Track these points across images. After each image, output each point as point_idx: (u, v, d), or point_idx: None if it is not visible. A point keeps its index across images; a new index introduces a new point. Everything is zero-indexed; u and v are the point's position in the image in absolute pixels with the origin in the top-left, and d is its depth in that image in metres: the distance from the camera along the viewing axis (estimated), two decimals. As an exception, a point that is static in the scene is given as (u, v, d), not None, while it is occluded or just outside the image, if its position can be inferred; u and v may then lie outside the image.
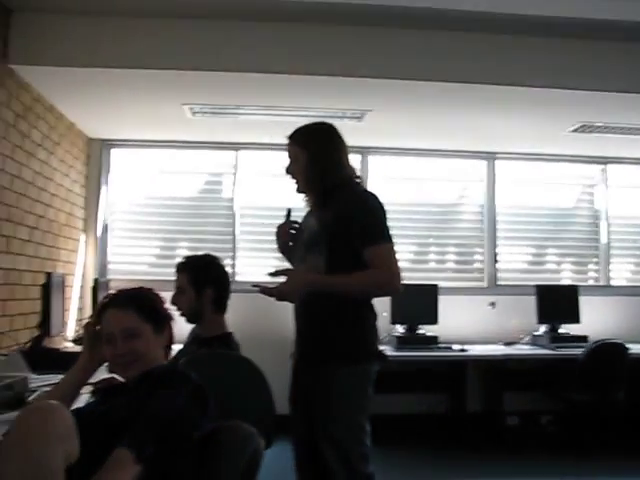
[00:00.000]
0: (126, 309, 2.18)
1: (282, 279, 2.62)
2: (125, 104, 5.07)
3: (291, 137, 2.87)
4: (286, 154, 2.88)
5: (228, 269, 6.00)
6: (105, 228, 6.13)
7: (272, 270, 2.69)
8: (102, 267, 6.09)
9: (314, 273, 2.66)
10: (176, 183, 6.33)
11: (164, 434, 1.86)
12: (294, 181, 2.87)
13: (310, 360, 2.74)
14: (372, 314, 2.76)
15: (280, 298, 2.63)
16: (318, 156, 2.77)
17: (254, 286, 2.64)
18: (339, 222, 2.65)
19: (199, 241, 6.20)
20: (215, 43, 4.25)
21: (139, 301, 2.22)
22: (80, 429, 1.71)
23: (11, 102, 4.15)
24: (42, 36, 4.12)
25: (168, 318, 2.32)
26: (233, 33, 4.25)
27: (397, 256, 2.66)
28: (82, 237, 5.90)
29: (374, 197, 2.74)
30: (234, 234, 6.23)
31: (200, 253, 3.39)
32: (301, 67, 4.32)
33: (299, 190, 2.88)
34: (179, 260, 3.30)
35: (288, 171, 2.87)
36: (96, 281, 5.28)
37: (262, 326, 5.52)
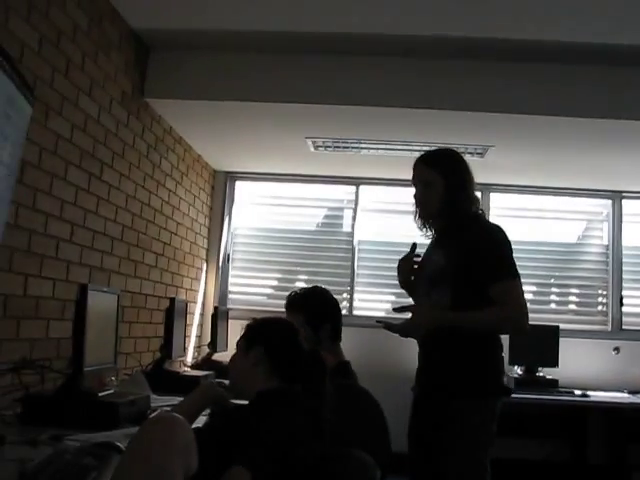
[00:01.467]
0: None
1: (407, 315, 2.60)
2: (249, 137, 5.21)
3: (426, 160, 2.76)
4: (413, 179, 2.79)
5: (345, 303, 6.14)
6: (226, 258, 6.28)
7: (394, 305, 2.71)
8: (222, 296, 6.23)
9: (439, 309, 2.60)
10: (297, 216, 6.43)
11: (279, 455, 1.85)
12: (418, 207, 2.77)
13: (436, 393, 2.65)
14: (499, 346, 2.68)
15: (404, 335, 2.63)
16: (455, 185, 2.67)
17: (378, 322, 2.64)
18: (467, 257, 2.57)
19: (317, 274, 6.25)
20: (339, 77, 4.31)
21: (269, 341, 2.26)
22: (197, 446, 1.73)
23: (144, 133, 4.35)
24: (175, 71, 4.32)
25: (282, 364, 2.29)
26: (357, 68, 4.30)
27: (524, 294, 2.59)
28: (204, 266, 6.06)
29: (502, 231, 2.68)
30: (353, 268, 6.24)
31: (304, 287, 3.36)
32: (423, 101, 4.31)
33: (422, 216, 2.78)
34: (288, 298, 3.25)
35: (417, 196, 2.76)
36: (216, 309, 5.39)
37: (379, 360, 5.48)
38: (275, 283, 6.39)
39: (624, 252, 6.23)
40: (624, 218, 6.27)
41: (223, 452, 1.87)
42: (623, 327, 6.09)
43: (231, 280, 6.31)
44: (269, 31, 4.04)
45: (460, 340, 2.55)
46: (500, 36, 3.95)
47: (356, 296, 6.20)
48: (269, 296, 6.35)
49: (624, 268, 6.21)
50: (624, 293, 6.17)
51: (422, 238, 2.88)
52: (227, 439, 1.96)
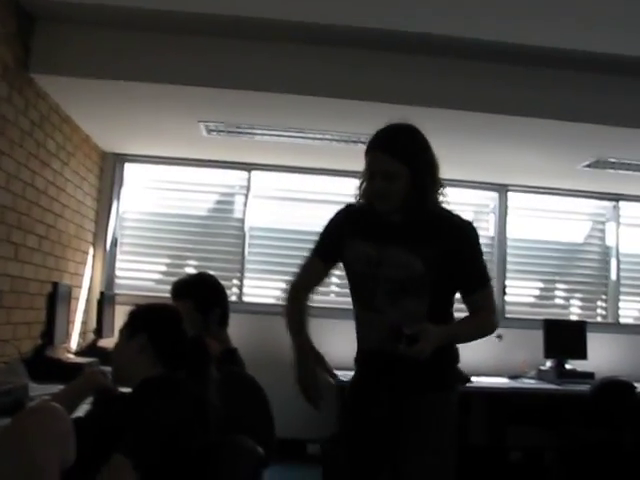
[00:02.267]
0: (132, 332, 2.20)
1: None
2: (141, 119, 5.09)
3: (388, 148, 2.32)
4: (369, 169, 2.38)
5: (235, 290, 6.12)
6: (114, 242, 6.13)
7: (408, 331, 2.19)
8: (109, 281, 6.08)
9: (436, 326, 2.26)
10: (187, 201, 6.34)
11: (162, 443, 1.83)
12: (376, 200, 2.38)
13: (405, 388, 2.36)
14: None
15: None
16: (423, 176, 2.33)
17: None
18: (449, 264, 2.31)
19: (207, 260, 6.19)
20: (233, 61, 4.26)
21: (151, 326, 2.22)
22: (77, 436, 1.68)
23: (28, 110, 4.17)
24: (63, 46, 4.15)
25: (166, 352, 2.23)
26: (251, 52, 4.26)
27: None
28: (91, 250, 5.89)
29: (475, 229, 2.47)
30: (243, 255, 6.21)
31: (190, 273, 3.33)
32: (317, 88, 4.32)
33: (377, 209, 2.39)
34: (174, 286, 3.21)
35: (373, 188, 2.36)
36: (102, 295, 5.26)
37: (268, 347, 5.48)
38: (164, 268, 6.28)
39: (508, 244, 6.48)
40: (509, 211, 6.52)
41: (105, 441, 1.83)
42: (505, 316, 6.33)
43: (119, 265, 6.16)
44: (165, 10, 3.93)
45: None
46: (372, 25, 3.99)
47: (246, 282, 6.18)
48: (157, 282, 6.23)
49: (508, 259, 6.46)
50: (507, 283, 6.43)
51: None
52: (109, 427, 1.91)
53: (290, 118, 4.85)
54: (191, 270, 6.12)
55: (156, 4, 3.88)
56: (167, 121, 5.10)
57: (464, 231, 2.42)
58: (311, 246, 2.58)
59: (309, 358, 2.49)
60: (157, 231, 6.27)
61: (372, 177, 2.36)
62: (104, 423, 1.95)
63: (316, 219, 6.34)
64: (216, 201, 6.44)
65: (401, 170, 2.29)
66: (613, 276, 6.60)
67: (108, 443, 1.79)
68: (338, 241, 2.48)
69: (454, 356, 2.50)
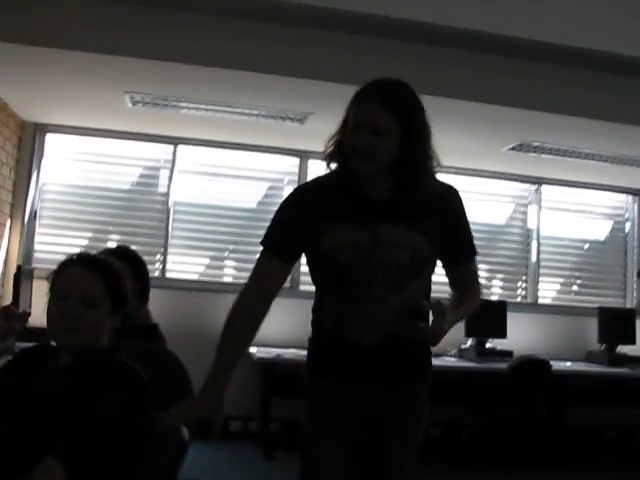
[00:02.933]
0: (94, 274, 2.01)
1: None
2: (63, 88, 4.93)
3: (385, 101, 1.98)
4: (357, 118, 2.01)
5: (159, 265, 6.02)
6: (33, 214, 5.94)
7: (420, 328, 2.01)
8: (27, 254, 5.89)
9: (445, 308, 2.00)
10: (111, 174, 6.18)
11: (100, 446, 1.75)
12: (358, 157, 2.01)
13: (402, 381, 2.19)
14: None
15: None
16: (415, 138, 2.04)
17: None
18: (446, 232, 2.13)
19: (130, 234, 6.06)
20: (160, 32, 4.17)
21: (109, 272, 2.06)
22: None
23: (-59, 75, 3.98)
24: (-22, 8, 3.97)
25: (126, 302, 2.11)
26: (180, 24, 4.17)
27: None
28: (8, 222, 5.70)
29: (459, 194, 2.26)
30: (167, 230, 6.11)
31: (108, 247, 3.25)
32: (246, 64, 4.26)
33: (367, 171, 2.04)
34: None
35: (358, 143, 1.99)
36: (19, 268, 5.10)
37: (191, 323, 5.42)
38: (85, 242, 6.12)
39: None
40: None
41: (31, 408, 1.77)
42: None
43: (38, 238, 5.98)
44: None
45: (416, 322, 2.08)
46: (323, 5, 3.98)
47: (170, 258, 6.08)
48: (79, 256, 6.07)
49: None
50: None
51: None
52: (38, 395, 1.84)
53: (217, 93, 4.77)
54: (113, 244, 5.99)
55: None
56: (91, 91, 4.94)
57: (456, 197, 2.22)
58: (261, 238, 2.12)
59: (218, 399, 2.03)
60: (79, 204, 6.09)
61: (358, 130, 1.98)
62: (31, 387, 1.86)
63: (242, 195, 6.36)
64: (140, 175, 6.30)
65: (393, 127, 1.97)
66: (533, 258, 6.77)
67: (34, 411, 1.72)
68: (307, 231, 2.06)
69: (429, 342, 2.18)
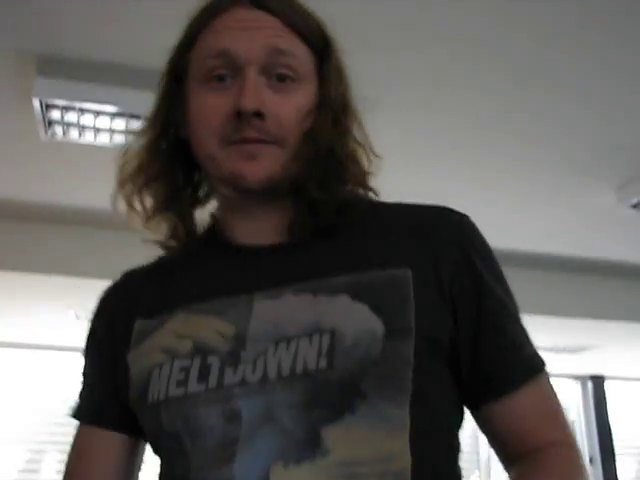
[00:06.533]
0: None
1: None
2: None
3: (293, 21, 0.90)
4: (234, 55, 0.87)
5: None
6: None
7: None
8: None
9: None
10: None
11: None
12: (252, 149, 0.86)
13: None
14: None
15: None
16: (339, 106, 0.92)
17: None
18: (445, 318, 0.86)
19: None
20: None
21: None
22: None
23: None
24: None
25: None
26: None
27: None
28: None
29: (475, 225, 0.96)
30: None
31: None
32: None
33: (259, 178, 0.86)
34: None
35: (254, 103, 0.84)
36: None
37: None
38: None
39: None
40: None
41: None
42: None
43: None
44: None
45: None
46: None
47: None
48: None
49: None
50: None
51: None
52: None
53: None
54: None
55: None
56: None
57: (461, 229, 0.93)
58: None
59: None
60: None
61: (222, 79, 0.89)
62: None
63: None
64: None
65: (309, 62, 0.92)
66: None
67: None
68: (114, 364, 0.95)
69: None
